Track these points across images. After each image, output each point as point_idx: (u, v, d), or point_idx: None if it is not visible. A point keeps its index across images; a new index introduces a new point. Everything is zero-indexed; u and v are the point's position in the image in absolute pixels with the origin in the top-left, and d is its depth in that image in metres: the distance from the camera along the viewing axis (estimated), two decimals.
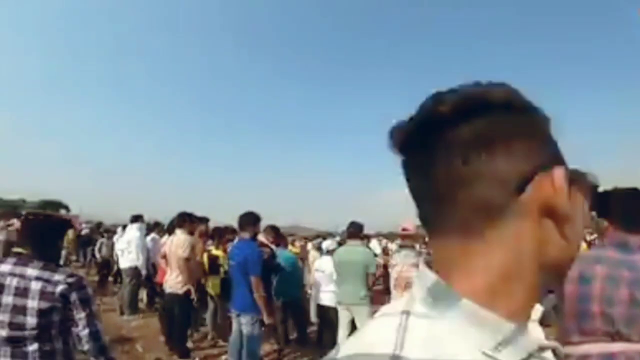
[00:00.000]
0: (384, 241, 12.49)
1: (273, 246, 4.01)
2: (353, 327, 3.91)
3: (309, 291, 6.40)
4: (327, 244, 4.66)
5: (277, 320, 3.85)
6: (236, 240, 3.95)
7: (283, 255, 4.57)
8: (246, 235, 3.44)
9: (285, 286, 4.37)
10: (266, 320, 3.29)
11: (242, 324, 3.33)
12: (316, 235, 7.90)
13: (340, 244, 4.84)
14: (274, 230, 4.35)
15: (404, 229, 3.72)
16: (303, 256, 8.79)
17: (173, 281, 4.00)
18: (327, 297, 4.39)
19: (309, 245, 10.24)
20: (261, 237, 3.79)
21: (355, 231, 4.00)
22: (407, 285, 3.55)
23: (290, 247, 7.85)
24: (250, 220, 3.45)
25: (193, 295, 3.95)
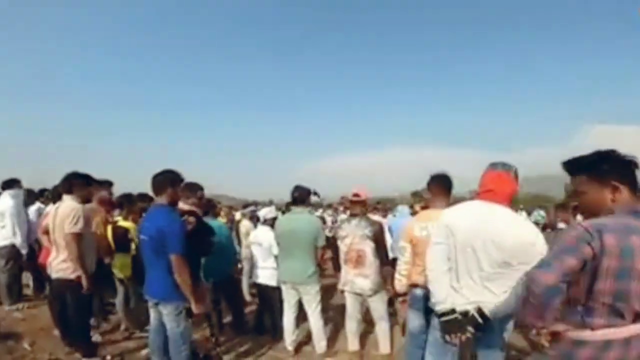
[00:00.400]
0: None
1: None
2: (301, 309, 3.46)
3: (239, 266, 5.79)
4: (265, 212, 4.01)
5: (209, 305, 3.20)
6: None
7: (213, 224, 3.85)
8: (162, 200, 2.61)
9: (216, 263, 3.65)
10: (195, 309, 2.57)
11: (163, 314, 2.61)
12: (245, 204, 7.15)
13: (282, 211, 4.26)
14: (193, 190, 3.10)
15: (355, 195, 3.27)
16: (230, 226, 8.07)
17: (59, 264, 3.02)
18: (266, 275, 3.80)
19: (238, 214, 9.45)
20: (183, 205, 2.92)
21: (301, 195, 3.43)
22: (359, 260, 3.17)
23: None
24: (167, 180, 2.60)
25: (85, 284, 3.01)
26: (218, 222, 4.03)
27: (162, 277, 2.51)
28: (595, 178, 1.38)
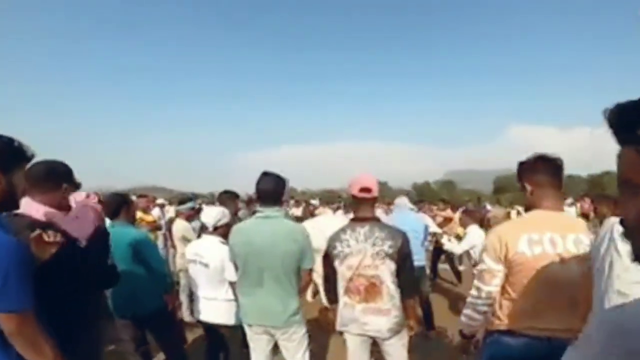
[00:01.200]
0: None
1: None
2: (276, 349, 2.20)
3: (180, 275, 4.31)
4: (212, 216, 2.47)
5: None
6: None
7: (127, 235, 2.41)
8: None
9: (135, 292, 2.34)
10: None
11: None
12: (182, 198, 5.48)
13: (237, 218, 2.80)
14: (57, 177, 1.56)
15: (363, 189, 2.08)
16: (160, 227, 6.43)
17: None
18: (217, 310, 2.44)
19: (171, 209, 7.70)
20: (34, 206, 1.41)
21: (274, 189, 2.14)
22: (372, 290, 2.01)
23: (140, 214, 5.41)
24: None
25: None
26: (136, 232, 2.55)
27: None
28: None
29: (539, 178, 1.58)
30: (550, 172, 1.59)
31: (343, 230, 2.11)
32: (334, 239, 2.11)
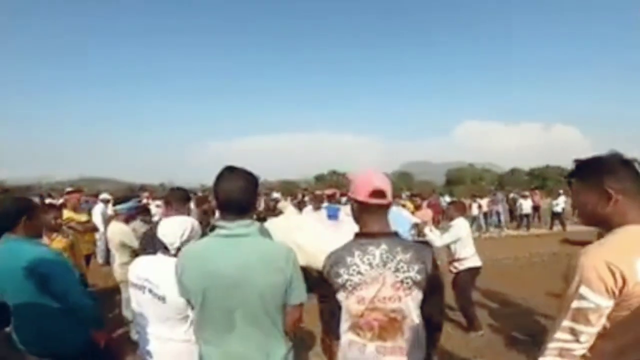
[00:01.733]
0: None
1: None
2: None
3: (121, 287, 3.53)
4: (179, 235, 1.71)
5: None
6: None
7: (25, 254, 1.65)
8: None
9: (47, 328, 1.76)
10: None
11: None
12: (120, 195, 4.54)
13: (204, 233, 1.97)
14: None
15: (376, 192, 1.50)
16: (96, 228, 5.47)
17: None
18: (169, 354, 1.73)
19: (109, 208, 6.65)
20: None
21: (240, 195, 1.46)
22: (390, 327, 1.48)
23: (69, 214, 4.47)
24: None
25: None
26: (39, 250, 1.79)
27: None
28: None
29: (627, 184, 1.20)
30: (637, 178, 1.23)
31: (348, 250, 1.52)
32: (336, 262, 1.52)
